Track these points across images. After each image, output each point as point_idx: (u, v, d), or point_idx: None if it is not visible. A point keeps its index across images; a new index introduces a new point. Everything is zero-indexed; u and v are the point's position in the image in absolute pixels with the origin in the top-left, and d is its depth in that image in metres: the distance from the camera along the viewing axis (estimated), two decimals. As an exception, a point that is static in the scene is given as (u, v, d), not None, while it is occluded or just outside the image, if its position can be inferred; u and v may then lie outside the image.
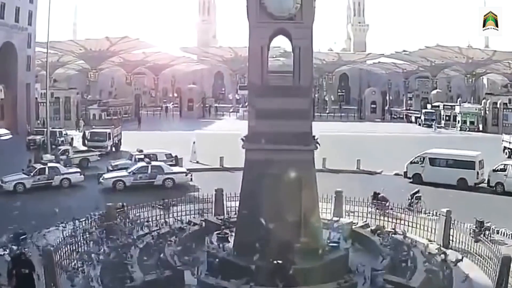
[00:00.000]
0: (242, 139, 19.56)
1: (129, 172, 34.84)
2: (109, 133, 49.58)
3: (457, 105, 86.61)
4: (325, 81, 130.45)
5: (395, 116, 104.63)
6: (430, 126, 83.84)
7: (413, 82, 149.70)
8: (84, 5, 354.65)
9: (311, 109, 19.76)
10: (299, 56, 19.47)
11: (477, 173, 36.44)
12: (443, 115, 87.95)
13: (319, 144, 20.05)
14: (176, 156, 40.76)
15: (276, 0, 18.64)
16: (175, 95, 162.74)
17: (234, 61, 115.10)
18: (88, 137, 49.96)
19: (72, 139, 57.13)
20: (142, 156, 38.56)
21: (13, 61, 70.99)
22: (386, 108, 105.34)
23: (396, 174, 41.29)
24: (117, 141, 52.10)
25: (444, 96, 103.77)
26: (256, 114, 19.10)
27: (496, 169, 36.25)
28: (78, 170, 36.55)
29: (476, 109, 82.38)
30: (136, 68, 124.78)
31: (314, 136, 19.62)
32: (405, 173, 39.34)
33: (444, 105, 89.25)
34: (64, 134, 55.66)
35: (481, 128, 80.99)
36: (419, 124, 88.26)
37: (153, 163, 35.67)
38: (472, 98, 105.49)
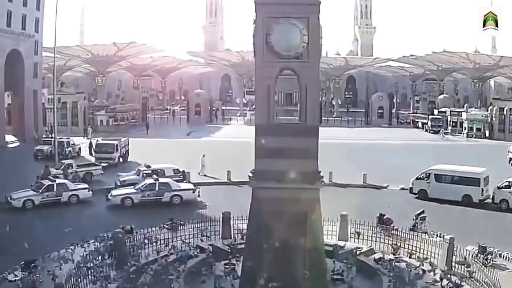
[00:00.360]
0: (249, 176, 19.88)
1: (137, 189, 35.23)
2: (117, 145, 49.92)
3: (464, 111, 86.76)
4: (332, 84, 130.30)
5: (402, 121, 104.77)
6: (436, 132, 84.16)
7: (420, 85, 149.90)
8: (91, 7, 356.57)
9: (317, 147, 19.97)
10: (305, 95, 19.80)
11: (482, 190, 36.69)
12: (449, 121, 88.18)
13: (324, 182, 20.44)
14: (183, 171, 41.10)
15: (283, 39, 18.87)
16: (183, 97, 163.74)
17: (241, 65, 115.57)
18: (95, 149, 50.35)
19: (79, 149, 57.61)
20: (150, 172, 38.97)
21: (20, 68, 71.49)
22: (393, 112, 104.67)
23: (402, 189, 41.60)
24: (124, 152, 52.45)
25: (451, 100, 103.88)
26: (263, 152, 19.32)
27: (501, 186, 36.52)
28: (86, 186, 36.98)
29: (482, 116, 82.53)
30: (143, 71, 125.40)
31: (320, 173, 19.85)
32: (411, 188, 39.61)
33: (451, 111, 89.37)
34: (72, 144, 56.07)
35: (487, 135, 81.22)
36: (426, 130, 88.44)
37: (161, 180, 36.01)
38: (479, 101, 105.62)
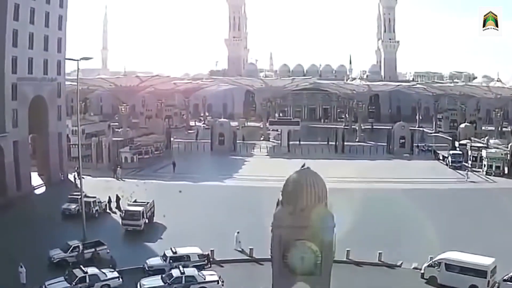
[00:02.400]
0: None
1: (165, 283, 37.37)
2: (143, 212, 52.03)
3: (484, 146, 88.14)
4: (355, 109, 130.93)
5: (424, 149, 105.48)
6: (457, 168, 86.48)
7: (443, 100, 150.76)
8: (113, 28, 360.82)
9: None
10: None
11: (488, 281, 38.14)
12: (470, 156, 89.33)
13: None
14: (208, 255, 43.10)
15: (299, 259, 20.91)
16: (207, 114, 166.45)
17: (264, 90, 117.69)
18: (123, 216, 52.40)
19: (106, 205, 59.77)
20: (176, 256, 41.29)
21: (44, 112, 73.39)
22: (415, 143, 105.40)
23: (415, 268, 43.12)
24: (150, 214, 54.64)
25: (472, 130, 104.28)
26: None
27: (506, 279, 37.93)
28: (117, 274, 39.02)
29: (502, 154, 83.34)
30: (167, 96, 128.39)
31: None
32: (422, 274, 41.19)
33: (471, 146, 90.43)
34: (98, 203, 58.19)
35: (506, 171, 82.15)
36: (447, 164, 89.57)
37: (187, 272, 38.04)
38: (499, 129, 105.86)
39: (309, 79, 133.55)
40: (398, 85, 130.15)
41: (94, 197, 58.27)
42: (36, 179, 73.21)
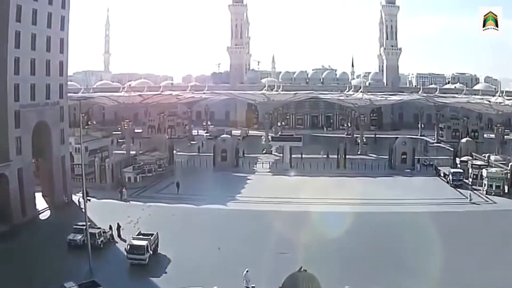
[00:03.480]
0: None
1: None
2: (147, 246, 52.64)
3: (484, 165, 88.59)
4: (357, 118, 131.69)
5: (425, 163, 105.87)
6: (457, 186, 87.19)
7: (445, 109, 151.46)
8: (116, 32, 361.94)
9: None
10: None
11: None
12: (471, 173, 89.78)
13: None
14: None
15: None
16: (209, 123, 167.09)
17: (267, 104, 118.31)
18: (128, 250, 52.96)
19: (111, 235, 60.39)
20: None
21: (46, 136, 73.61)
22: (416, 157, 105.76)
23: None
24: (155, 247, 55.25)
25: (473, 145, 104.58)
26: None
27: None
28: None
29: (502, 174, 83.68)
30: (169, 108, 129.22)
31: None
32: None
33: (472, 165, 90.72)
34: (103, 233, 58.77)
35: (506, 190, 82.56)
36: (448, 182, 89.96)
37: None
38: (500, 146, 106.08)
39: (311, 93, 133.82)
40: (400, 100, 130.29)
41: (99, 228, 58.81)
42: (40, 201, 73.70)
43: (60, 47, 75.23)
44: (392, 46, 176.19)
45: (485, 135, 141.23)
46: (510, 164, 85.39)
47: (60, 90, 76.12)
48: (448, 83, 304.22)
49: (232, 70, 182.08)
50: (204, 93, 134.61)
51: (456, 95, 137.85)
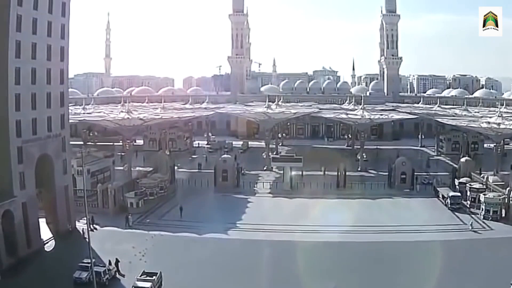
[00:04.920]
0: None
1: None
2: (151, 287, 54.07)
3: (482, 189, 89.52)
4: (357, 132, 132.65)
5: (424, 182, 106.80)
6: (456, 210, 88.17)
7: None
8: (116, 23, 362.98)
9: None
10: None
11: None
12: (469, 196, 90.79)
13: None
14: None
15: None
16: (210, 134, 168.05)
17: (268, 122, 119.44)
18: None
19: (116, 271, 61.42)
20: None
21: (49, 167, 74.14)
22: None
23: None
24: (159, 285, 56.64)
25: (473, 164, 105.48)
26: None
27: None
28: None
29: (499, 200, 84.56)
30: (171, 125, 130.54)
31: None
32: None
33: (470, 188, 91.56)
34: (108, 271, 59.88)
35: (504, 214, 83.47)
36: (445, 205, 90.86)
37: None
38: (499, 165, 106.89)
39: (312, 108, 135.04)
40: (400, 118, 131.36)
41: (104, 266, 59.94)
42: (44, 230, 74.32)
43: (60, 78, 75.46)
44: (392, 56, 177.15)
45: (485, 145, 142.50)
46: (507, 188, 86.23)
47: (62, 121, 76.44)
48: (449, 86, 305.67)
49: (233, 79, 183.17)
50: (205, 108, 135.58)
51: (456, 112, 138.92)
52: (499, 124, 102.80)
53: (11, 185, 65.64)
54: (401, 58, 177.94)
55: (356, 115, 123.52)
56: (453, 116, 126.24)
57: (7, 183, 65.48)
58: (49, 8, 71.46)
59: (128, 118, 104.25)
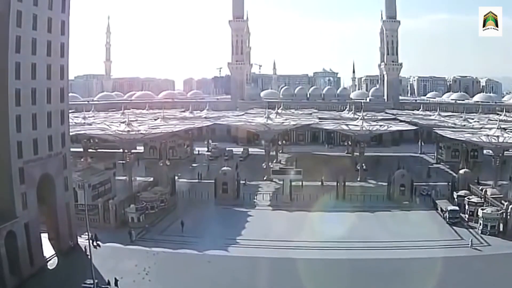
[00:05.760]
0: None
1: None
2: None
3: (481, 203, 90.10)
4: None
5: (423, 193, 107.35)
6: (454, 223, 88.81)
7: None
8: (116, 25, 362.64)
9: None
10: None
11: None
12: (467, 210, 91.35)
13: None
14: None
15: None
16: (210, 141, 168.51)
17: (268, 133, 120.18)
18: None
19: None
20: None
21: (51, 186, 74.67)
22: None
23: None
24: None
25: (473, 176, 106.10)
26: None
27: None
28: None
29: (497, 215, 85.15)
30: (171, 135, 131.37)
31: None
32: None
33: (468, 202, 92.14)
34: (113, 292, 60.93)
35: (501, 229, 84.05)
36: (444, 218, 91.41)
37: None
38: (498, 175, 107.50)
39: (311, 117, 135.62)
40: (399, 129, 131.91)
41: (108, 285, 60.76)
42: (47, 246, 74.95)
43: (61, 97, 75.91)
44: (392, 62, 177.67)
45: (485, 151, 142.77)
46: (506, 203, 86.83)
47: (62, 138, 76.83)
48: (449, 88, 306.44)
49: (233, 85, 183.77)
50: (205, 117, 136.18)
51: (456, 122, 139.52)
52: (498, 137, 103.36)
53: (13, 206, 66.18)
54: (401, 64, 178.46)
55: (356, 125, 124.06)
56: (453, 127, 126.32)
57: (10, 204, 66.05)
58: (49, 4, 71.33)
59: (129, 131, 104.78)
